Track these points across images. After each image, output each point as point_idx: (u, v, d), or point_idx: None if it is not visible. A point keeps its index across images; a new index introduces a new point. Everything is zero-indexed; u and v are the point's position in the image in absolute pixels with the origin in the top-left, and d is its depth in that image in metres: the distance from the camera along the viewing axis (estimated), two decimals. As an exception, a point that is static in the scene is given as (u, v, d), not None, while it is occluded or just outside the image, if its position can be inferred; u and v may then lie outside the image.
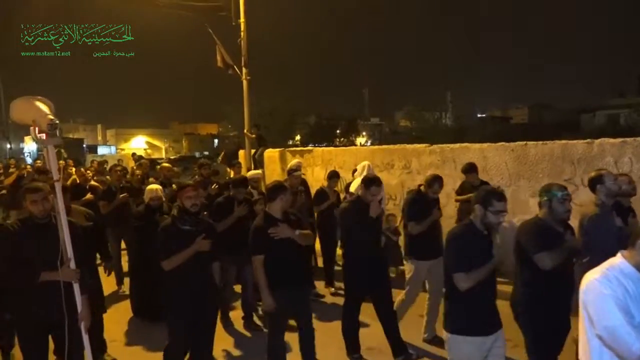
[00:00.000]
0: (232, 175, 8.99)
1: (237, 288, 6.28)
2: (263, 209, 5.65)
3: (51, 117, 3.34)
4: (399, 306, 5.22)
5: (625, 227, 3.91)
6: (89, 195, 7.30)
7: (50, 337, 3.61)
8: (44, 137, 3.33)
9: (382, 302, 4.78)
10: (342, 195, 7.80)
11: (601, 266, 2.17)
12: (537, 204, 3.65)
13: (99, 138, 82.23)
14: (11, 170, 11.45)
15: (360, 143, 53.84)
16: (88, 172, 11.78)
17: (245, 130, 12.01)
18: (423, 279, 5.24)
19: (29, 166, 14.17)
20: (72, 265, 3.44)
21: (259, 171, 8.34)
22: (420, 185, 5.38)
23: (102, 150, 49.76)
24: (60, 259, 3.38)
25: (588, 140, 6.63)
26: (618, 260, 2.12)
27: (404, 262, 5.55)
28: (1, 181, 10.88)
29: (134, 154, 18.94)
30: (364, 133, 64.91)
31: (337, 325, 5.32)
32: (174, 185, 6.61)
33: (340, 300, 6.66)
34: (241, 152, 12.72)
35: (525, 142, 7.22)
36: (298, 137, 48.41)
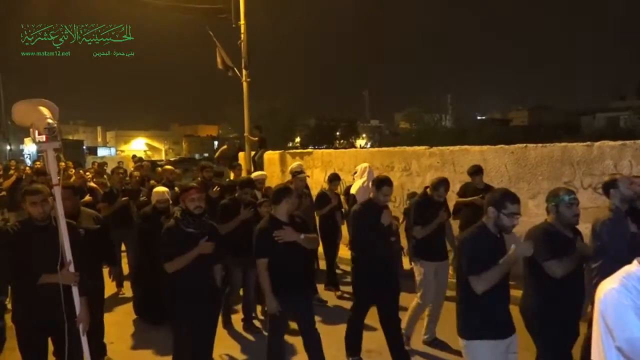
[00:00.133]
0: (232, 177, 8.98)
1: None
2: (268, 211, 5.68)
3: (49, 120, 3.34)
4: (415, 310, 5.17)
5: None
6: (87, 197, 7.29)
7: (50, 339, 3.60)
8: (44, 140, 3.33)
9: (388, 308, 4.69)
10: (342, 198, 7.80)
11: (617, 274, 2.11)
12: (545, 209, 3.60)
13: (99, 140, 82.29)
14: (11, 172, 11.44)
15: (360, 145, 53.89)
16: (87, 174, 11.80)
17: (245, 134, 12.00)
18: (433, 279, 5.18)
19: (28, 168, 14.18)
20: (72, 268, 3.44)
21: (264, 172, 8.31)
22: (426, 188, 5.37)
23: (102, 152, 49.70)
24: (60, 261, 3.38)
25: (588, 143, 6.64)
26: (634, 268, 2.07)
27: (412, 264, 5.53)
28: (0, 183, 10.88)
29: (134, 156, 18.94)
30: (363, 135, 64.99)
31: (337, 327, 5.32)
32: (176, 188, 6.60)
33: (342, 303, 6.68)
34: (241, 154, 12.72)
35: (525, 144, 7.23)
36: (298, 139, 48.46)
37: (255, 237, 4.14)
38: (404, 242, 7.19)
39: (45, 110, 3.43)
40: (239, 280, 5.76)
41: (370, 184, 7.34)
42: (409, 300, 5.26)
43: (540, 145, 7.06)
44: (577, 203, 3.47)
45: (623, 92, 61.51)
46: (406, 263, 7.27)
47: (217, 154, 14.63)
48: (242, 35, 11.48)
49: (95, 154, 41.47)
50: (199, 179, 7.64)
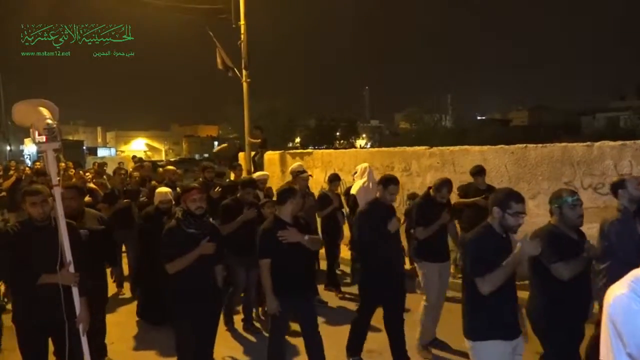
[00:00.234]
0: (232, 178, 8.98)
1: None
2: (272, 212, 5.67)
3: (49, 121, 3.33)
4: (424, 314, 5.13)
5: None
6: (87, 198, 7.28)
7: (50, 339, 3.61)
8: (44, 141, 3.33)
9: (394, 309, 4.68)
10: (342, 198, 7.80)
11: (626, 279, 2.09)
12: (549, 211, 3.58)
13: (99, 140, 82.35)
14: (11, 173, 11.44)
15: (360, 145, 53.88)
16: (87, 174, 11.80)
17: (249, 137, 11.98)
18: (437, 279, 5.17)
19: (27, 168, 14.18)
20: (72, 269, 3.43)
21: (266, 173, 8.30)
22: (429, 189, 5.36)
23: (102, 152, 49.70)
24: (60, 262, 3.38)
25: (588, 143, 6.63)
26: None
27: (415, 264, 5.52)
28: (0, 184, 10.88)
29: (134, 157, 18.94)
30: (363, 135, 64.98)
31: (338, 328, 5.32)
32: (178, 189, 6.60)
33: (343, 304, 6.68)
34: (241, 155, 12.71)
35: (525, 144, 7.23)
36: (298, 140, 48.44)
37: (259, 237, 4.14)
38: (404, 242, 7.19)
39: (45, 111, 3.43)
40: (242, 280, 5.73)
41: (370, 184, 7.39)
42: (410, 300, 5.25)
43: (540, 145, 7.06)
44: (580, 204, 3.44)
45: (623, 92, 61.68)
46: (406, 263, 7.27)
47: (216, 149, 14.62)
48: (242, 36, 11.46)
49: (95, 154, 41.45)
50: (201, 179, 7.64)
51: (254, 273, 5.55)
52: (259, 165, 11.63)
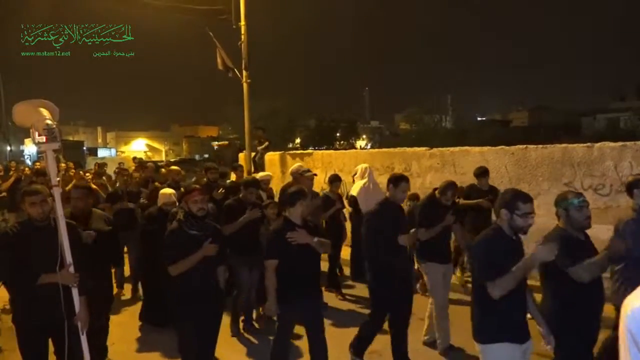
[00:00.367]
0: (233, 178, 8.97)
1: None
2: (275, 212, 5.67)
3: (48, 121, 3.33)
4: (437, 314, 5.11)
5: None
6: (88, 199, 7.28)
7: (50, 339, 3.60)
8: (44, 141, 3.32)
9: (402, 313, 4.66)
10: (344, 200, 7.79)
11: None
12: (555, 213, 3.53)
13: (99, 140, 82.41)
14: (11, 173, 11.44)
15: (360, 146, 53.85)
16: (87, 174, 11.79)
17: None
18: (442, 280, 5.16)
19: (27, 168, 14.17)
20: (72, 269, 3.43)
21: (269, 173, 8.29)
22: (435, 190, 5.35)
23: (102, 152, 49.75)
24: (59, 262, 3.37)
25: (588, 144, 6.63)
26: None
27: (419, 265, 5.52)
28: (0, 184, 10.88)
29: (134, 158, 18.94)
30: (364, 136, 64.94)
31: (338, 329, 5.31)
32: (182, 189, 6.59)
33: (343, 305, 6.67)
34: (241, 155, 12.72)
35: (525, 145, 7.23)
36: (298, 140, 48.41)
37: (268, 238, 4.13)
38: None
39: (45, 111, 3.42)
40: (246, 281, 5.70)
41: (371, 185, 7.39)
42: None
43: (540, 146, 7.06)
44: (587, 205, 3.41)
45: (623, 92, 61.72)
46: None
47: (215, 147, 14.64)
48: (242, 36, 11.47)
49: (96, 154, 41.50)
50: (205, 180, 7.61)
51: (256, 273, 5.56)
52: (259, 166, 11.64)
